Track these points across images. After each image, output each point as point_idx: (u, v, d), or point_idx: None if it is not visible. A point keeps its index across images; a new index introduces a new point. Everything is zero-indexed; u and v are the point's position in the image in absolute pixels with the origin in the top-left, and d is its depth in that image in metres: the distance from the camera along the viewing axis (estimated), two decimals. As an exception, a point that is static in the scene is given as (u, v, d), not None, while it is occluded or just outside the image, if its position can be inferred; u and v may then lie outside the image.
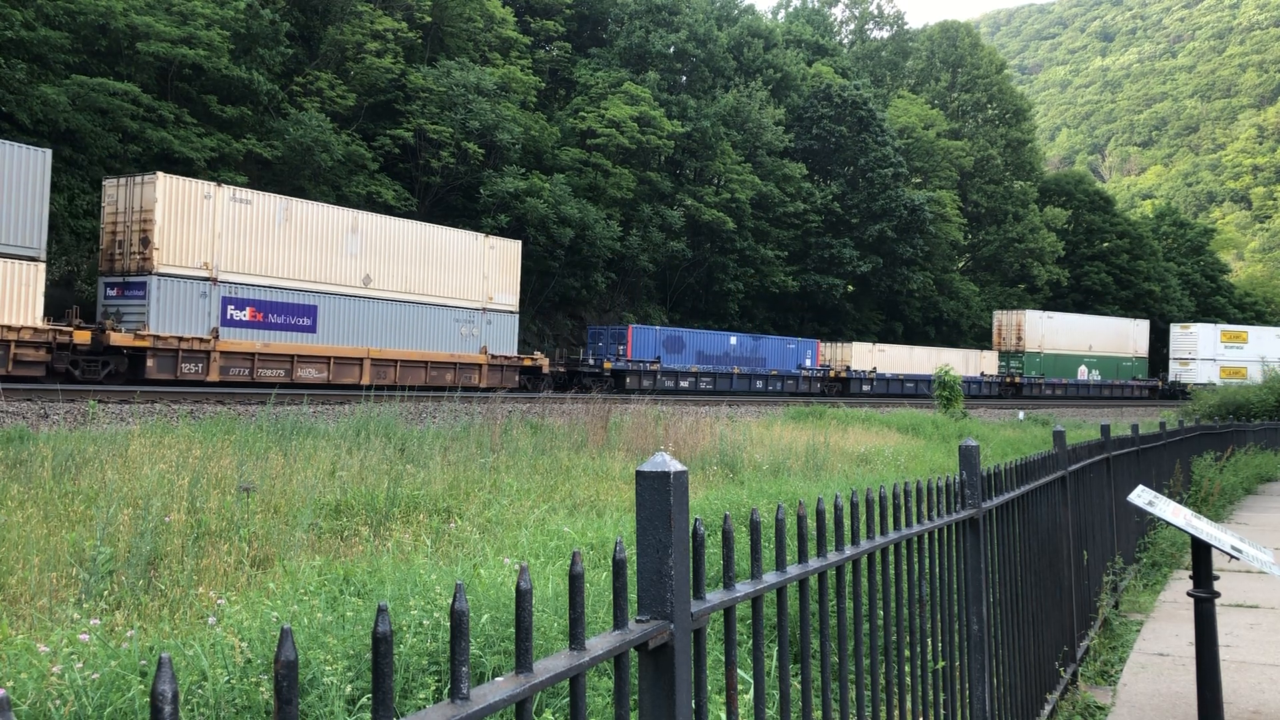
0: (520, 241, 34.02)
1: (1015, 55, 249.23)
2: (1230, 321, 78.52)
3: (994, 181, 70.75)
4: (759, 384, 43.87)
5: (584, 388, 36.65)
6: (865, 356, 49.44)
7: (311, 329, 26.70)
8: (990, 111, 76.46)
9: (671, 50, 50.71)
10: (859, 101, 57.70)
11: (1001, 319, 59.89)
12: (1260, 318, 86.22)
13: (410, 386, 28.21)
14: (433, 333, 30.06)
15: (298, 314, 26.46)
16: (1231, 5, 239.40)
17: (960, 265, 71.32)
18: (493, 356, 31.80)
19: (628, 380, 37.97)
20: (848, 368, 48.31)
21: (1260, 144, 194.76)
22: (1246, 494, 15.78)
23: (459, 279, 31.04)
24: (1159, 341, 71.28)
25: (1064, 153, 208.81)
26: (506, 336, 32.68)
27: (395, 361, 28.53)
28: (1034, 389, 57.31)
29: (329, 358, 26.88)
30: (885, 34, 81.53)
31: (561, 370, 37.30)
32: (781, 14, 79.58)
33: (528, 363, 33.34)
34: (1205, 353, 65.92)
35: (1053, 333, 59.44)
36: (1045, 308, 68.79)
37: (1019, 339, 58.28)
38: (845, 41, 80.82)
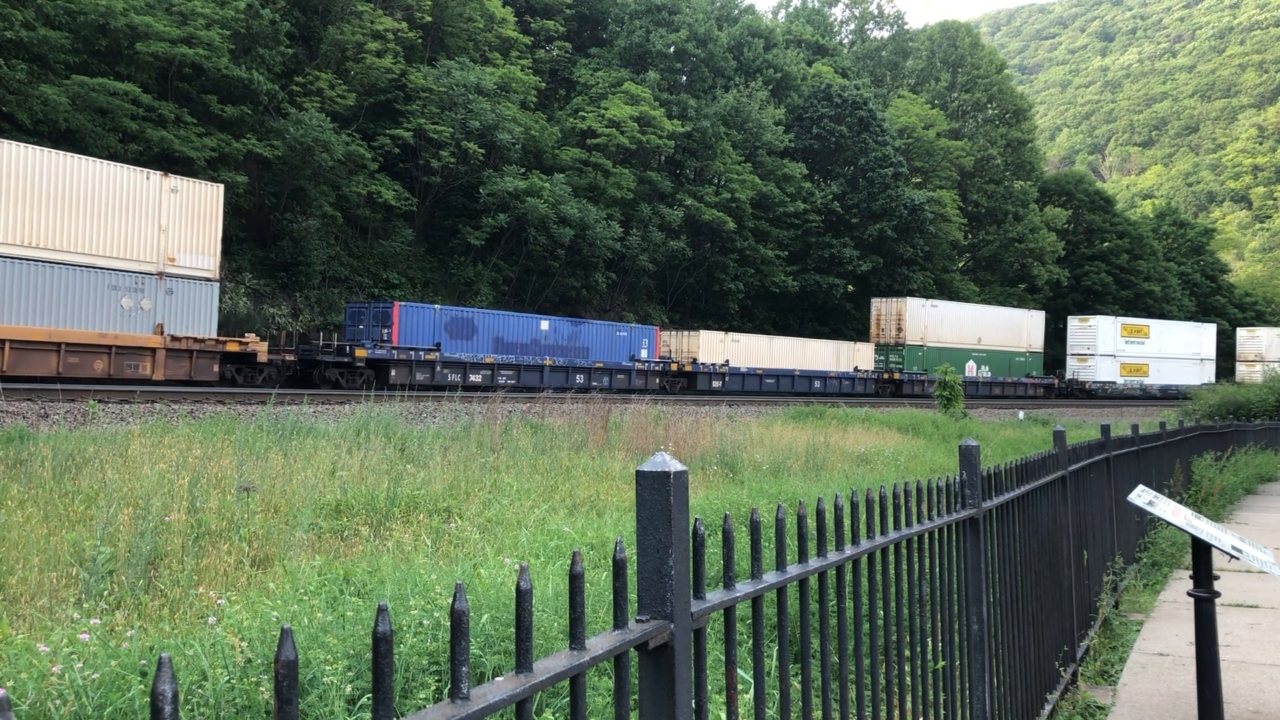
0: (222, 186, 26.57)
1: (1015, 55, 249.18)
2: (1231, 322, 78.31)
3: (994, 181, 70.74)
4: (579, 378, 36.64)
5: (330, 382, 29.48)
6: (716, 347, 42.24)
7: None
8: (990, 111, 76.44)
9: (671, 50, 50.73)
10: (859, 101, 57.70)
11: (880, 307, 53.11)
12: (1260, 317, 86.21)
13: (31, 378, 21.75)
14: (72, 304, 22.55)
15: None
16: (1231, 5, 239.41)
17: (960, 265, 71.29)
18: (174, 339, 24.20)
19: (392, 372, 30.52)
20: (694, 360, 41.36)
21: (1260, 144, 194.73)
22: (1246, 494, 15.78)
23: (118, 231, 23.37)
24: (1057, 336, 66.91)
25: (1064, 153, 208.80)
26: (199, 312, 25.11)
27: (2, 343, 21.22)
28: (915, 386, 50.78)
29: (-124, 335, 19.31)
30: (885, 34, 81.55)
31: (291, 359, 29.00)
32: (781, 14, 79.63)
33: (233, 348, 25.68)
34: (1105, 348, 61.18)
35: (937, 323, 52.96)
36: (1045, 308, 68.08)
37: (899, 330, 51.55)
38: (845, 41, 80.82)
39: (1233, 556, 4.50)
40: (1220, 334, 72.62)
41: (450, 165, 37.83)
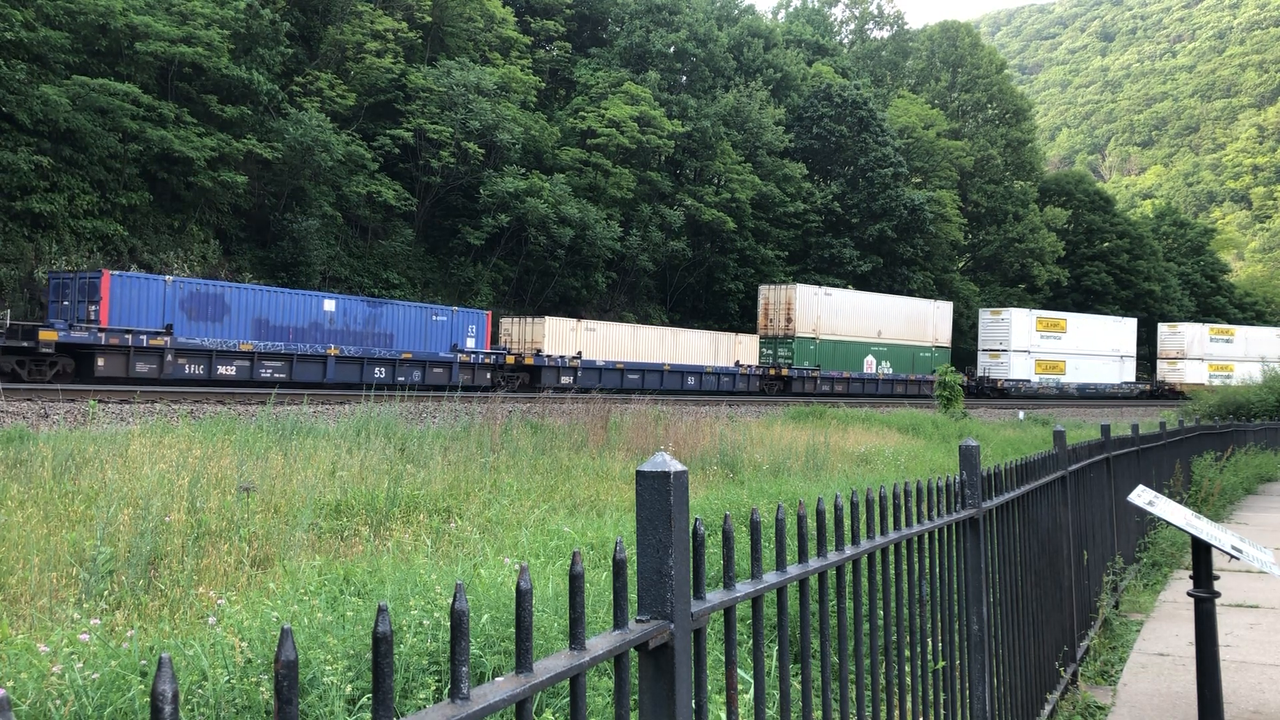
0: None
1: (1015, 55, 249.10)
2: (1231, 322, 78.01)
3: (994, 181, 70.74)
4: (378, 372, 30.05)
5: (4, 374, 22.83)
6: (565, 337, 36.11)
7: None
8: (990, 111, 76.45)
9: (671, 50, 50.73)
10: (859, 101, 57.71)
11: (768, 295, 46.78)
12: (1260, 318, 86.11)
13: None
14: None
15: None
16: (1231, 5, 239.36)
17: (960, 265, 71.27)
18: None
19: (100, 362, 23.89)
20: (538, 351, 35.23)
21: (1260, 144, 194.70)
22: (1246, 494, 15.78)
23: None
24: (970, 328, 61.93)
25: (1064, 153, 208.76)
26: None
27: None
28: (807, 383, 45.20)
29: None
30: (885, 34, 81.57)
31: None
32: (781, 14, 79.63)
33: None
34: (1019, 343, 56.16)
35: (831, 314, 47.08)
36: (1046, 307, 67.33)
37: (788, 321, 45.58)
38: (845, 41, 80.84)
39: (1233, 556, 4.50)
40: (1142, 329, 68.59)
41: (450, 165, 37.82)
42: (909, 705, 3.10)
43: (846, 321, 48.14)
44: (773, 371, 44.95)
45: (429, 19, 39.49)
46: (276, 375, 27.69)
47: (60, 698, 3.73)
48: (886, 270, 57.88)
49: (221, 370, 26.77)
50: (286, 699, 1.12)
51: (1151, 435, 9.91)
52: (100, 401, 18.81)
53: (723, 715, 3.88)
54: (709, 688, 2.66)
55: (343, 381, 28.91)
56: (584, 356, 36.43)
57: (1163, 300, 76.69)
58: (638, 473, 1.76)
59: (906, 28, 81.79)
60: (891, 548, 3.03)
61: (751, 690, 4.05)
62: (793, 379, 44.89)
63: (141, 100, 28.71)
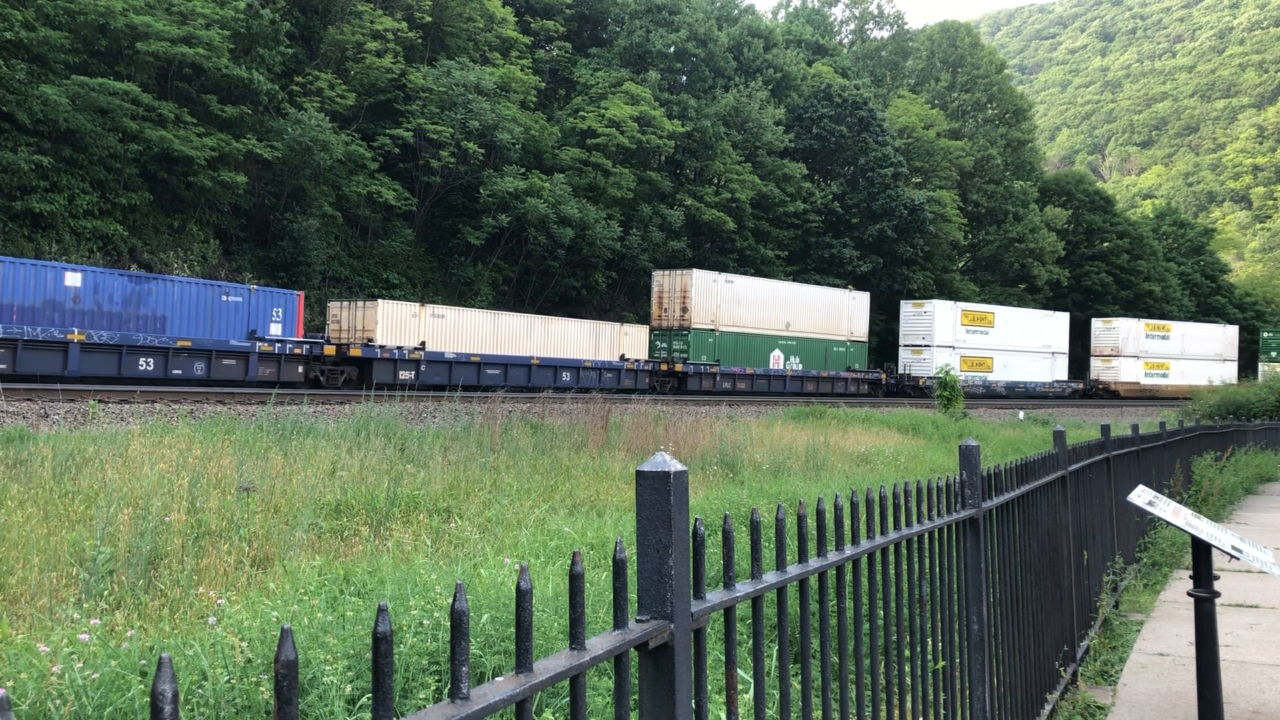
0: None
1: (1015, 55, 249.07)
2: (1231, 322, 77.91)
3: (994, 181, 70.72)
4: (145, 364, 24.21)
5: None
6: (405, 324, 30.53)
7: None
8: (990, 111, 76.44)
9: (671, 50, 50.74)
10: (859, 101, 57.71)
11: (662, 282, 41.45)
12: (1260, 317, 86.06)
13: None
14: None
15: None
16: (1231, 5, 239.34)
17: (960, 265, 71.24)
18: None
19: None
20: (368, 341, 29.58)
21: (1260, 144, 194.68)
22: (1246, 494, 15.78)
23: None
24: (891, 321, 57.14)
25: (1064, 153, 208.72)
26: None
27: None
28: (704, 380, 40.04)
29: None
30: (885, 34, 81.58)
31: None
32: (781, 14, 79.65)
33: None
34: (943, 338, 51.75)
35: (734, 303, 41.97)
36: (1046, 307, 66.93)
37: (684, 310, 40.54)
38: (845, 41, 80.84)
39: (1233, 556, 4.50)
40: (1075, 324, 64.95)
41: (450, 165, 37.82)
42: (909, 705, 3.10)
43: (751, 312, 43.08)
44: (665, 367, 39.79)
45: (429, 19, 39.49)
46: None
47: (60, 698, 3.73)
48: (886, 270, 57.84)
49: None
50: (286, 699, 1.12)
51: (1151, 435, 9.92)
52: (100, 401, 18.82)
53: (723, 715, 3.88)
54: (709, 688, 2.66)
55: (93, 375, 23.33)
56: (429, 347, 30.96)
57: (1163, 300, 76.68)
58: (638, 473, 1.76)
59: (906, 28, 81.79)
60: (891, 548, 3.03)
61: (751, 690, 4.05)
62: (688, 375, 39.79)
63: (141, 100, 28.71)
